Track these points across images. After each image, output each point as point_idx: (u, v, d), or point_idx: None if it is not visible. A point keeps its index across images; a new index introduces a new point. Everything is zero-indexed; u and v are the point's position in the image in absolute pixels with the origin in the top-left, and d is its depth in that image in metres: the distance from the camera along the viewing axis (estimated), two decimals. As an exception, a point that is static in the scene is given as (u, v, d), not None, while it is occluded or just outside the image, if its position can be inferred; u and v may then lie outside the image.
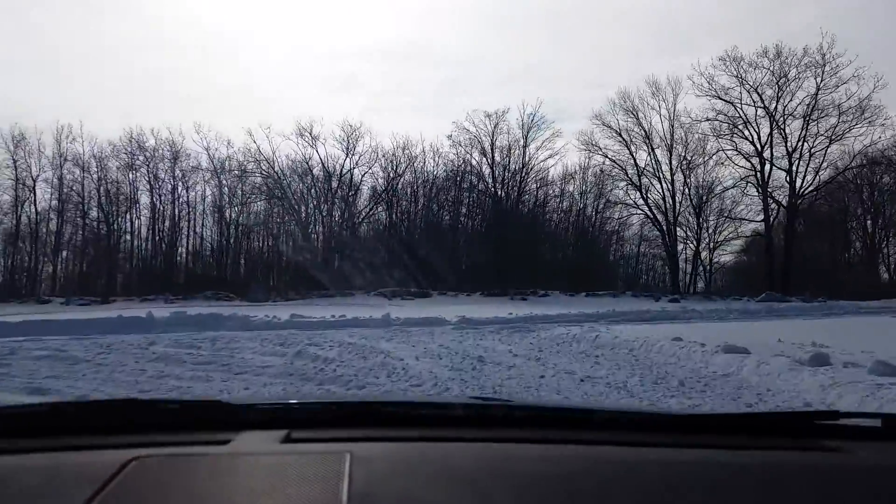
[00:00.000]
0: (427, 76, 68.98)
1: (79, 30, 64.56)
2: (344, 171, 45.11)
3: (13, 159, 41.24)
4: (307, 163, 44.68)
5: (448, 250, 45.26)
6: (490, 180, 45.29)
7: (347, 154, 44.84)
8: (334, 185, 45.24)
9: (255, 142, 49.46)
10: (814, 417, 1.30)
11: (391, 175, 45.92)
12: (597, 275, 43.07)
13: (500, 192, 45.02)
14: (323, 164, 44.91)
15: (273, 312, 19.70)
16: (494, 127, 44.48)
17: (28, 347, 12.13)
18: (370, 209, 47.11)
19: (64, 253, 44.15)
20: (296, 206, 45.17)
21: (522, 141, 44.61)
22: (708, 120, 42.98)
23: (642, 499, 0.88)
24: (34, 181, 41.81)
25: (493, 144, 44.83)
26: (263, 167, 43.75)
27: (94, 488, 0.85)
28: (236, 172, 44.43)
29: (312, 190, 45.76)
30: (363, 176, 45.96)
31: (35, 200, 41.97)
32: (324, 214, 45.87)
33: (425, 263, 42.84)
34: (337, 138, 45.66)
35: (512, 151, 44.95)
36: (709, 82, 42.66)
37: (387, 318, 17.65)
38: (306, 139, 44.33)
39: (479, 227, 46.63)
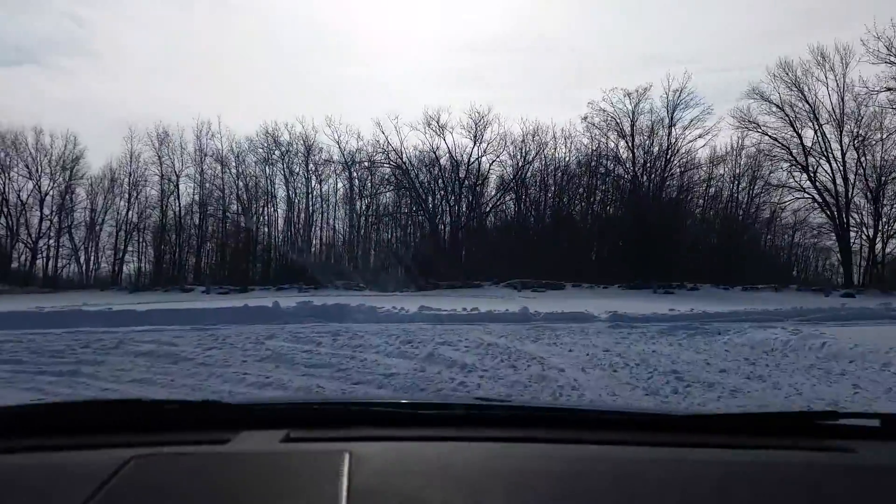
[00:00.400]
0: (551, 66, 65.43)
1: (214, 32, 67.12)
2: (471, 160, 43.07)
3: (158, 156, 42.67)
4: (434, 153, 43.03)
5: (580, 240, 42.12)
6: (630, 164, 41.37)
7: (475, 142, 42.69)
8: (461, 174, 43.31)
9: (383, 132, 48.55)
10: (813, 417, 1.27)
11: (520, 163, 43.30)
12: (747, 266, 38.21)
13: (641, 177, 41.00)
14: (450, 154, 43.10)
15: (400, 304, 17.80)
16: (635, 106, 40.39)
17: (137, 339, 10.81)
18: (498, 199, 44.79)
19: (207, 245, 45.40)
20: (423, 196, 43.68)
21: (668, 120, 40.15)
22: (889, 90, 36.57)
23: (641, 498, 0.86)
24: (178, 177, 43.09)
25: (633, 125, 40.70)
26: (391, 157, 42.54)
27: (93, 487, 0.84)
28: (366, 164, 43.64)
29: (440, 180, 44.14)
30: (491, 165, 43.70)
31: (179, 195, 43.30)
32: (451, 204, 44.12)
33: (556, 253, 40.04)
34: (464, 126, 43.49)
35: (655, 132, 40.45)
36: (887, 47, 36.24)
37: (525, 312, 15.20)
38: (433, 128, 42.54)
39: (615, 215, 42.96)
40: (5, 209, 40.19)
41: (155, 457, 0.95)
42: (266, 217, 45.38)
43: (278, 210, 45.50)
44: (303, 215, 45.36)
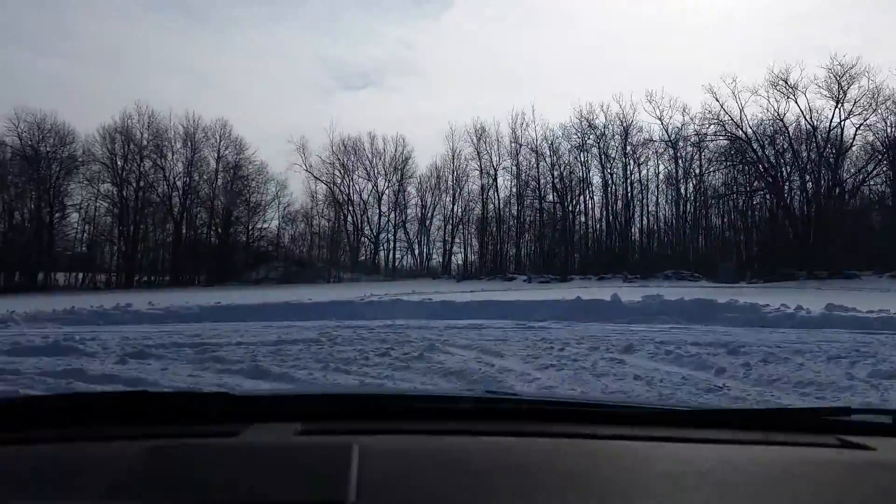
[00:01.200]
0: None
1: (524, 34, 66.47)
2: (831, 125, 33.94)
3: (477, 151, 42.41)
4: (781, 119, 34.87)
5: None
6: None
7: (837, 103, 33.54)
8: (818, 143, 34.45)
9: (716, 98, 40.49)
10: (825, 414, 1.20)
11: (899, 123, 32.78)
12: None
13: None
14: (803, 119, 34.54)
15: (791, 300, 12.44)
16: None
17: (451, 342, 7.99)
18: (868, 170, 34.76)
19: (526, 235, 43.94)
20: (768, 172, 35.77)
21: None
22: None
23: (652, 494, 0.82)
24: (495, 170, 42.40)
25: None
26: (727, 128, 35.50)
27: (106, 478, 0.82)
28: (693, 139, 37.39)
29: (787, 152, 35.80)
30: (857, 129, 33.99)
31: (497, 188, 42.46)
32: (804, 179, 35.54)
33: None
34: (821, 84, 34.13)
35: None
36: None
37: None
38: (780, 89, 34.39)
39: None
40: (351, 208, 43.64)
41: (166, 448, 0.92)
42: (582, 205, 42.32)
43: (594, 197, 42.09)
44: (620, 202, 41.17)
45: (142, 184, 39.19)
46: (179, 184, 40.23)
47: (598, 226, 42.41)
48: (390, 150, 43.58)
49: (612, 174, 41.32)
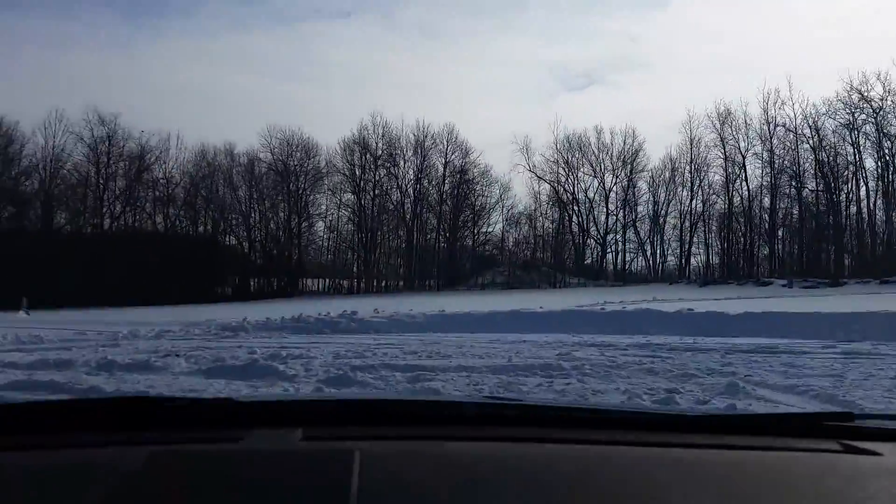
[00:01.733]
0: None
1: (760, 10, 57.60)
2: None
3: (721, 137, 37.00)
4: None
5: None
6: None
7: None
8: None
9: None
10: (828, 419, 1.16)
11: None
12: None
13: None
14: None
15: None
16: None
17: (759, 380, 5.33)
18: None
19: (779, 232, 37.62)
20: None
21: None
22: None
23: (655, 500, 0.82)
24: (743, 157, 36.73)
25: None
26: None
27: (107, 485, 0.81)
28: None
29: None
30: None
31: (746, 177, 36.84)
32: None
33: None
34: None
35: None
36: None
37: None
38: None
39: None
40: (576, 207, 41.17)
41: (168, 454, 0.91)
42: (854, 194, 35.01)
43: (868, 184, 34.63)
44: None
45: (377, 192, 40.89)
46: (411, 191, 41.30)
47: (873, 218, 34.82)
48: (618, 143, 40.06)
49: (892, 156, 33.69)
